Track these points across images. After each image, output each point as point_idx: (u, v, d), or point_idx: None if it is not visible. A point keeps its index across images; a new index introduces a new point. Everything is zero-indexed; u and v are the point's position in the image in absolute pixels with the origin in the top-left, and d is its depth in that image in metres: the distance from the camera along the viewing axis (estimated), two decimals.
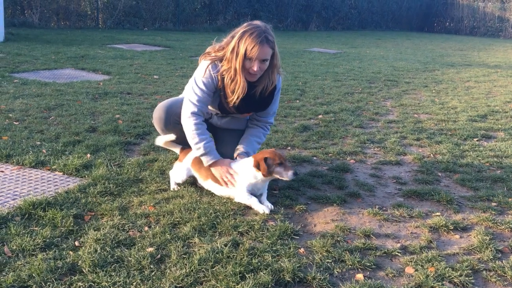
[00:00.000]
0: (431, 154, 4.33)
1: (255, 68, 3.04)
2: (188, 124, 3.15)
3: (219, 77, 3.14)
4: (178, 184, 3.28)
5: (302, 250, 2.52)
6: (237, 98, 3.13)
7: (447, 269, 2.36)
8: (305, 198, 3.19)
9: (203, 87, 3.14)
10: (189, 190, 3.19)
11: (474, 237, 2.75)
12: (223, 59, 3.11)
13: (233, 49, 3.03)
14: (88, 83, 6.61)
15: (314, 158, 4.07)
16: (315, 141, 4.58)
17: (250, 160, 3.07)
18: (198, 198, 3.08)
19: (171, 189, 3.23)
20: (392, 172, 3.84)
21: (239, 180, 3.05)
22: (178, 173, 3.27)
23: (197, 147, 3.13)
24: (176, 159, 3.50)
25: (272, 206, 3.00)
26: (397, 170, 3.91)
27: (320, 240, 2.60)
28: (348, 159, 4.10)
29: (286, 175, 2.99)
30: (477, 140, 4.88)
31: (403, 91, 7.70)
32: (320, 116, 5.57)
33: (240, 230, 2.67)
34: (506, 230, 2.88)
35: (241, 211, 2.94)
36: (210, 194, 3.17)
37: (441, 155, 4.28)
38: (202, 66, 3.17)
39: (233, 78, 3.08)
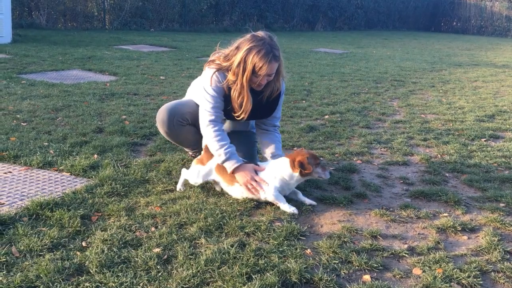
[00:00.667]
0: (439, 155, 4.31)
1: (264, 82, 3.10)
2: (208, 132, 3.14)
3: (225, 87, 3.14)
4: (184, 185, 3.26)
5: (308, 251, 2.52)
6: (245, 114, 3.17)
7: (455, 270, 2.35)
8: (311, 199, 3.18)
9: (214, 93, 3.14)
10: (196, 191, 3.19)
11: (482, 238, 2.74)
12: (228, 69, 3.10)
13: (239, 63, 3.02)
14: (95, 84, 6.64)
15: (321, 158, 4.05)
16: (322, 141, 4.57)
17: (285, 161, 3.06)
18: (205, 199, 3.08)
19: (177, 189, 3.21)
20: (399, 173, 3.82)
21: (271, 179, 3.03)
22: (195, 176, 3.18)
23: (218, 154, 3.11)
24: (183, 159, 3.50)
25: (314, 202, 3.09)
26: (404, 170, 3.89)
27: (326, 241, 2.59)
28: (354, 159, 4.08)
29: (324, 175, 3.07)
30: (485, 141, 4.84)
31: (410, 91, 7.67)
32: (327, 117, 5.56)
33: (247, 230, 2.67)
34: None
35: (247, 211, 2.94)
36: (217, 194, 3.17)
37: (448, 156, 4.26)
38: (208, 73, 3.17)
39: (240, 93, 3.10)
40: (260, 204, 3.05)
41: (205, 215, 2.80)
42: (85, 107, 5.29)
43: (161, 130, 3.46)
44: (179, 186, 3.23)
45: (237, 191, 3.10)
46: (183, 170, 3.27)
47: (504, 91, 8.03)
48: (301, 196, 3.15)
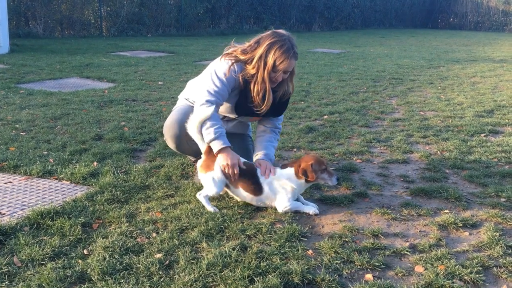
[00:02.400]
0: (438, 151, 4.31)
1: (279, 79, 3.13)
2: (201, 110, 3.00)
3: (240, 79, 3.14)
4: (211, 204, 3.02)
5: (310, 251, 2.52)
6: (267, 107, 3.18)
7: (457, 266, 2.35)
8: (312, 200, 3.18)
9: (225, 81, 3.11)
10: (196, 196, 3.18)
11: (484, 233, 2.73)
12: (246, 62, 3.12)
13: (260, 57, 3.05)
14: (93, 91, 6.65)
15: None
16: (321, 141, 4.57)
17: (291, 170, 2.99)
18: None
19: (211, 210, 2.93)
20: (399, 171, 3.82)
21: (284, 192, 2.97)
22: (213, 185, 2.98)
23: (207, 132, 2.99)
24: (182, 164, 3.48)
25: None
26: (404, 168, 3.89)
27: (328, 241, 2.59)
28: (354, 159, 4.08)
29: (331, 181, 3.01)
30: (484, 136, 4.84)
31: (408, 88, 7.67)
32: (326, 117, 5.56)
33: (248, 233, 2.67)
34: None
35: (248, 214, 2.94)
36: (217, 198, 3.17)
37: (448, 152, 4.26)
38: (225, 63, 3.15)
39: (261, 87, 3.11)
40: (260, 207, 3.05)
41: (206, 219, 2.80)
42: (84, 114, 5.29)
43: (172, 144, 3.41)
44: (210, 209, 2.95)
45: (243, 195, 3.03)
46: (198, 195, 3.03)
47: (503, 86, 8.03)
48: (302, 200, 3.12)
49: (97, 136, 4.50)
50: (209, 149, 3.06)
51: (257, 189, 2.98)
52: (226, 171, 2.96)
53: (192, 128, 3.07)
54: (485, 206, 3.13)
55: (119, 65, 9.27)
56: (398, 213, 3.02)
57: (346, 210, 3.06)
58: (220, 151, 2.98)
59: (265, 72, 3.05)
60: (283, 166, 3.09)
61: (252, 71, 3.09)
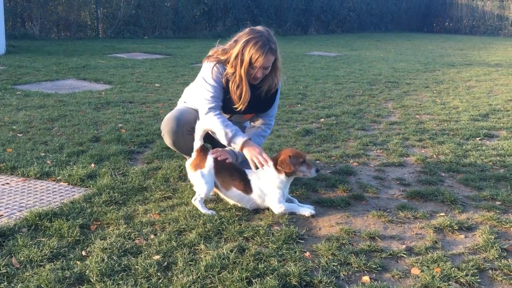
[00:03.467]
0: (434, 155, 4.34)
1: (258, 75, 3.15)
2: (209, 117, 3.11)
3: (223, 79, 3.18)
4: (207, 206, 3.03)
5: (307, 254, 2.53)
6: (244, 105, 3.20)
7: (453, 269, 2.37)
8: (309, 202, 3.20)
9: (214, 83, 3.17)
10: (190, 197, 3.19)
11: (479, 236, 2.76)
12: (227, 62, 3.16)
13: (237, 55, 3.08)
14: (90, 93, 6.65)
15: (317, 161, 4.08)
16: (318, 144, 4.59)
17: (270, 164, 2.98)
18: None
19: (206, 213, 2.92)
20: (395, 174, 3.85)
21: (272, 189, 2.97)
22: (205, 183, 2.99)
23: (224, 132, 3.05)
24: (180, 166, 3.49)
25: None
26: (400, 171, 3.92)
27: (325, 244, 2.61)
28: (351, 162, 4.11)
29: (310, 173, 3.01)
30: (479, 140, 4.88)
31: (404, 92, 7.72)
32: (322, 120, 5.59)
33: (246, 235, 2.68)
34: (511, 228, 2.88)
35: (246, 216, 2.95)
36: (215, 200, 3.18)
37: (444, 156, 4.29)
38: (208, 66, 3.22)
39: (239, 85, 3.14)
40: (258, 209, 3.06)
41: (204, 221, 2.81)
42: (81, 116, 5.30)
43: (168, 139, 3.43)
44: (205, 211, 2.94)
45: (233, 195, 3.05)
46: (193, 200, 3.01)
47: (498, 90, 8.08)
48: (296, 203, 3.13)
49: (94, 137, 4.51)
50: (201, 148, 3.10)
51: (247, 187, 2.99)
52: (256, 161, 2.99)
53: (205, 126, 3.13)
54: (481, 209, 3.16)
55: (115, 67, 9.28)
56: (394, 215, 3.04)
57: (343, 212, 3.08)
58: (244, 145, 3.05)
59: (242, 70, 3.08)
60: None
61: (231, 70, 3.14)
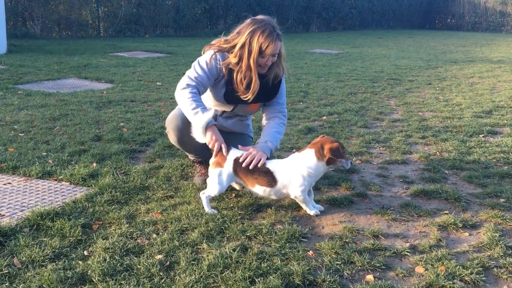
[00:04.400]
0: (437, 152, 4.31)
1: (269, 62, 3.15)
2: (183, 93, 3.08)
3: (224, 68, 3.17)
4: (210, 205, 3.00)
5: (311, 252, 2.51)
6: (253, 95, 3.18)
7: (458, 267, 2.35)
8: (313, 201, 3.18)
9: (206, 69, 3.16)
10: (196, 196, 3.18)
11: (484, 234, 2.74)
12: (228, 51, 3.15)
13: (243, 45, 3.07)
14: (91, 92, 6.64)
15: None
16: None
17: (309, 152, 2.92)
18: None
19: (208, 211, 2.93)
20: (398, 172, 3.82)
21: (301, 177, 2.89)
22: (218, 183, 2.97)
23: (194, 112, 3.02)
24: (182, 165, 3.48)
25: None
26: (403, 169, 3.90)
27: (328, 242, 2.59)
28: (354, 159, 4.08)
29: (346, 164, 2.96)
30: (483, 137, 4.85)
31: (406, 89, 7.69)
32: (324, 117, 5.56)
33: (248, 234, 2.67)
34: None
35: (248, 215, 2.94)
36: (217, 199, 3.16)
37: (447, 153, 4.27)
38: (208, 53, 3.21)
39: (246, 75, 3.13)
40: (260, 207, 3.05)
41: (206, 220, 2.80)
42: (83, 115, 5.29)
43: (173, 137, 3.37)
44: (208, 210, 2.94)
45: (259, 191, 2.98)
46: (201, 193, 3.01)
47: (501, 86, 8.05)
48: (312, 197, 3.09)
49: (96, 137, 4.49)
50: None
51: (271, 180, 2.94)
52: (211, 146, 3.02)
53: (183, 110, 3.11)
54: (485, 207, 3.14)
55: (117, 65, 9.26)
56: (398, 213, 3.02)
57: (346, 211, 3.06)
58: (208, 128, 3.04)
59: (251, 60, 3.07)
60: (299, 151, 3.03)
61: (234, 60, 3.12)
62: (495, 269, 2.39)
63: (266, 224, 2.79)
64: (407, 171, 3.84)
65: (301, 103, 6.39)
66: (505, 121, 5.47)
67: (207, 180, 3.06)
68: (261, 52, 3.06)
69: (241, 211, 2.98)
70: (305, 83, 7.93)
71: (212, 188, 2.98)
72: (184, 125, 3.26)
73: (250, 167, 2.95)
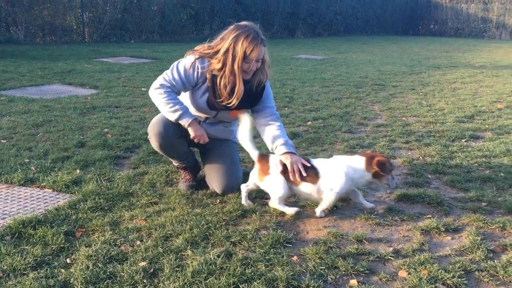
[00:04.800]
0: (420, 157, 4.36)
1: (253, 68, 3.16)
2: (157, 93, 3.19)
3: (206, 74, 3.17)
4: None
5: (295, 258, 2.52)
6: (237, 99, 3.19)
7: (440, 271, 2.38)
8: (296, 206, 3.19)
9: (182, 75, 3.20)
10: (181, 202, 3.17)
11: (466, 238, 2.77)
12: (211, 57, 3.17)
13: (227, 50, 3.09)
14: (75, 98, 6.59)
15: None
16: (305, 147, 4.59)
17: (359, 159, 3.00)
18: (190, 210, 3.07)
19: (289, 212, 3.00)
20: None
21: (343, 176, 2.95)
22: (282, 187, 3.00)
23: (173, 109, 3.14)
24: (166, 171, 3.46)
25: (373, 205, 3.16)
26: None
27: (313, 247, 2.60)
28: None
29: (391, 183, 3.06)
30: (465, 141, 4.92)
31: (390, 94, 7.76)
32: (309, 123, 5.59)
33: (233, 240, 2.67)
34: (497, 229, 2.90)
35: (233, 221, 2.94)
36: (202, 205, 3.16)
37: (430, 157, 4.31)
38: (189, 58, 3.23)
39: (229, 80, 3.14)
40: (245, 213, 3.05)
41: (191, 226, 2.79)
42: (66, 121, 5.24)
43: (155, 142, 3.34)
44: (290, 211, 3.02)
45: (305, 190, 3.03)
46: (270, 204, 3.07)
47: (483, 92, 8.17)
48: (361, 199, 3.15)
49: (79, 143, 4.46)
50: (261, 156, 3.11)
51: (316, 178, 2.98)
52: (196, 140, 3.13)
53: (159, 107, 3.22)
54: (467, 211, 3.18)
55: (101, 71, 9.20)
56: (381, 218, 3.05)
57: (331, 215, 3.08)
58: (190, 124, 3.15)
59: (235, 65, 3.09)
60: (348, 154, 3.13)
61: (218, 65, 3.14)
62: (476, 272, 2.42)
63: (250, 229, 2.79)
64: None
65: (286, 108, 6.42)
66: (487, 126, 5.56)
67: (266, 189, 3.07)
68: (245, 57, 3.08)
69: (226, 216, 2.98)
70: (290, 89, 7.96)
71: (277, 191, 3.02)
72: (167, 131, 3.26)
73: (303, 173, 2.99)
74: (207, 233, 2.73)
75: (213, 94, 3.23)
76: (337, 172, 2.98)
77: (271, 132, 3.33)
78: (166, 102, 3.16)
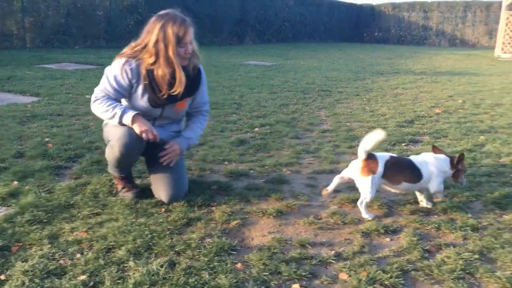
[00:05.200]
0: None
1: (190, 50, 3.15)
2: (96, 105, 3.16)
3: (141, 71, 3.14)
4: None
5: (239, 265, 2.53)
6: (181, 87, 3.17)
7: (378, 272, 2.46)
8: (242, 213, 3.22)
9: (113, 82, 3.15)
10: (124, 213, 3.12)
11: (403, 239, 2.88)
12: (141, 54, 3.13)
13: (157, 41, 3.06)
14: (15, 106, 6.33)
15: (251, 171, 4.11)
16: (252, 154, 4.63)
17: (445, 158, 3.33)
18: (134, 220, 3.01)
19: (368, 217, 3.18)
20: (327, 181, 3.92)
21: (441, 174, 3.29)
22: (373, 188, 3.17)
23: (112, 114, 3.09)
24: (110, 181, 3.39)
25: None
26: (331, 178, 3.97)
27: (257, 254, 2.62)
28: (284, 170, 4.17)
29: (463, 181, 3.44)
30: (405, 145, 5.12)
31: (336, 100, 7.96)
32: (257, 129, 5.64)
33: (177, 249, 2.65)
34: (432, 229, 3.04)
35: (177, 230, 2.91)
36: (146, 214, 3.11)
37: None
38: (117, 64, 3.17)
39: (167, 69, 3.10)
40: (190, 221, 3.03)
41: (134, 237, 2.75)
42: (4, 131, 5.02)
43: (118, 152, 3.20)
44: (369, 216, 3.20)
45: (403, 188, 3.31)
46: (359, 203, 3.23)
47: (422, 97, 8.53)
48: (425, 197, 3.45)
49: (18, 153, 4.28)
50: (369, 155, 3.19)
51: (417, 176, 3.26)
52: (144, 136, 3.06)
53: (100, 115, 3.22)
54: (405, 213, 3.31)
55: (43, 78, 8.89)
56: (325, 222, 3.12)
57: (276, 221, 3.12)
58: (133, 120, 3.08)
59: (169, 52, 3.06)
60: (435, 150, 3.43)
61: (151, 59, 3.10)
62: (412, 272, 2.52)
63: (195, 238, 2.78)
64: None
65: (234, 115, 6.45)
66: (425, 130, 5.81)
67: (362, 186, 3.19)
68: (179, 42, 3.06)
69: (171, 225, 2.95)
70: (238, 95, 8.01)
71: (368, 194, 3.16)
72: (133, 144, 3.18)
73: (165, 163, 3.24)
74: (150, 243, 2.70)
75: (152, 91, 3.18)
76: (437, 173, 3.30)
77: (193, 123, 3.51)
78: (105, 110, 3.11)
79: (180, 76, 3.14)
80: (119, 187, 3.47)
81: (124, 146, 3.18)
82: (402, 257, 2.66)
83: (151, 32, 3.08)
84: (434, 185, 3.29)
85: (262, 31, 24.52)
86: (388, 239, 2.90)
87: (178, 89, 3.17)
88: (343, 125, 6.01)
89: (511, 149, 4.91)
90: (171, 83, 3.15)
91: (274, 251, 2.69)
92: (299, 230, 3.01)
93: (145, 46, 3.11)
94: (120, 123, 3.11)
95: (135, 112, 3.10)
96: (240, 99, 7.63)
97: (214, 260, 2.54)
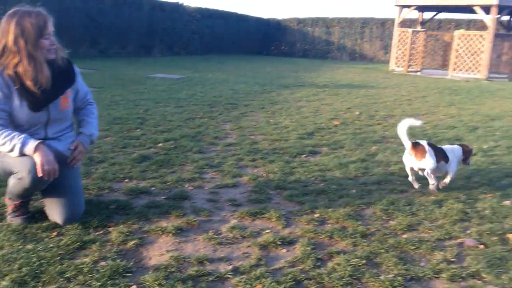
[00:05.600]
0: (265, 174, 4.61)
1: (53, 42, 3.07)
2: None
3: (13, 77, 2.97)
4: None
5: (134, 287, 2.48)
6: (47, 81, 3.03)
7: (273, 284, 2.53)
8: (140, 232, 3.15)
9: None
10: (11, 239, 2.92)
11: (298, 249, 2.99)
12: (2, 58, 2.97)
13: (15, 39, 2.92)
14: None
15: (152, 188, 4.04)
16: (154, 170, 4.56)
17: (459, 148, 4.30)
18: (21, 246, 2.83)
19: (433, 188, 4.12)
20: (228, 195, 3.99)
21: (457, 161, 4.26)
22: (435, 162, 4.02)
23: (12, 145, 2.90)
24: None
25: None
26: (233, 192, 4.08)
27: (153, 274, 2.58)
28: (186, 186, 4.16)
29: (468, 162, 4.43)
30: (304, 157, 5.33)
31: (241, 113, 8.09)
32: (160, 144, 5.57)
33: (68, 275, 2.53)
34: (326, 238, 3.19)
35: (69, 254, 2.78)
36: (35, 239, 2.94)
37: (273, 174, 4.59)
38: None
39: (30, 64, 2.96)
40: (84, 244, 2.91)
41: (20, 265, 2.58)
42: None
43: (29, 184, 2.99)
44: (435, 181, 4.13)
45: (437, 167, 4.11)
46: (426, 174, 4.09)
47: (323, 109, 8.95)
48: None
49: None
50: (414, 144, 4.09)
51: (446, 158, 4.16)
52: (45, 167, 2.89)
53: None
54: (301, 223, 3.44)
55: None
56: (224, 237, 3.15)
57: (174, 239, 3.09)
58: (36, 149, 2.91)
59: (31, 47, 2.94)
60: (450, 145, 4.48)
61: (15, 60, 2.96)
62: (305, 281, 2.62)
63: (88, 262, 2.68)
64: (236, 194, 4.03)
65: (138, 130, 6.31)
66: (324, 141, 6.10)
67: (422, 164, 4.04)
68: (42, 33, 2.97)
69: (62, 250, 2.81)
70: (143, 109, 7.86)
71: (429, 164, 4.03)
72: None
73: (75, 166, 3.26)
74: (38, 271, 2.55)
75: (27, 94, 3.01)
76: (455, 159, 4.24)
77: (88, 117, 3.44)
78: (1, 143, 2.91)
79: (43, 68, 3.00)
80: (10, 209, 3.24)
81: (36, 179, 2.96)
82: (296, 267, 2.77)
83: (6, 32, 2.93)
84: (451, 171, 4.21)
85: (171, 43, 24.31)
86: (284, 250, 3.00)
87: (45, 82, 3.01)
88: (247, 138, 6.13)
89: (399, 158, 5.31)
90: (35, 79, 2.99)
91: (171, 270, 2.66)
92: (198, 246, 3.01)
93: (3, 49, 2.94)
94: (21, 154, 2.92)
95: (37, 142, 2.91)
96: (144, 113, 7.50)
97: (107, 284, 2.46)
